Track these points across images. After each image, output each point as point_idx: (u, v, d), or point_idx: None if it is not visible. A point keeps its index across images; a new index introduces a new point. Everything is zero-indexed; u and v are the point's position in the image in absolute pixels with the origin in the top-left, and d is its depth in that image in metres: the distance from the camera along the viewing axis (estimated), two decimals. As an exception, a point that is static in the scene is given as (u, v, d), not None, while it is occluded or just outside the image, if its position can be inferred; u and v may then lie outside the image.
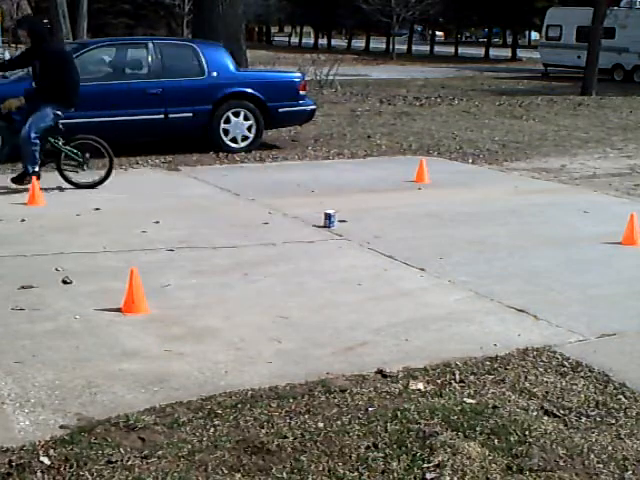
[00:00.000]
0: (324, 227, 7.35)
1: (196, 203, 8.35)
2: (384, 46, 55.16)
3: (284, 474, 3.25)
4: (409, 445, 3.45)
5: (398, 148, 12.42)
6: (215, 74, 11.51)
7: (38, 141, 8.69)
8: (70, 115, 10.56)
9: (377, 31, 56.89)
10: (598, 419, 3.76)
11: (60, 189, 8.86)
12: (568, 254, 6.64)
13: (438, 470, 3.27)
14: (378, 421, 3.66)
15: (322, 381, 4.09)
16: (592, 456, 3.42)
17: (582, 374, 4.26)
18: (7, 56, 20.79)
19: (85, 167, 8.95)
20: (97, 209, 7.94)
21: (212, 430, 3.57)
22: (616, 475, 3.30)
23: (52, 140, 8.80)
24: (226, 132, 11.57)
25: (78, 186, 8.92)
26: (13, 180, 8.87)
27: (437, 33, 64.49)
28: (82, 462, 3.29)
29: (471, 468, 3.29)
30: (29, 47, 9.07)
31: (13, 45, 40.30)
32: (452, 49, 53.45)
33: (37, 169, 8.72)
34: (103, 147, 9.04)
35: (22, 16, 9.77)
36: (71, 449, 3.38)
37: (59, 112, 8.75)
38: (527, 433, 3.58)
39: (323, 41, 63.47)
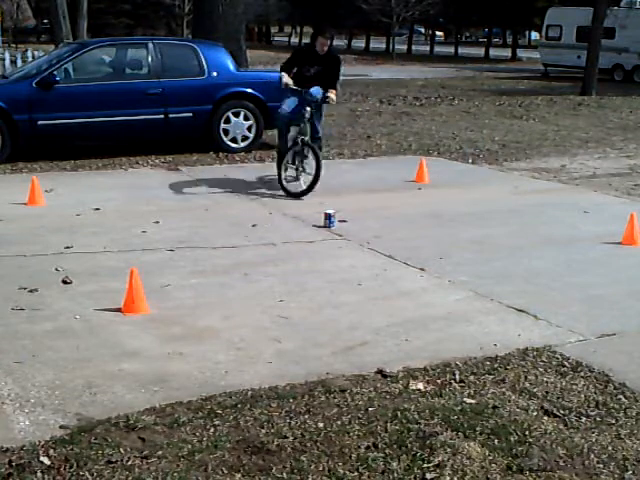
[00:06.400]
0: (324, 227, 7.35)
1: (196, 203, 8.35)
2: (384, 46, 55.14)
3: (284, 474, 3.25)
4: (409, 445, 3.45)
5: (398, 148, 12.41)
6: (215, 74, 11.50)
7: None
8: (71, 115, 10.63)
9: (377, 31, 56.85)
10: (598, 419, 3.76)
11: (59, 189, 8.86)
12: (568, 254, 6.64)
13: (438, 470, 3.27)
14: (378, 421, 3.66)
15: (322, 381, 4.09)
16: (592, 456, 3.42)
17: (582, 374, 4.26)
18: (7, 56, 20.72)
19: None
20: (97, 209, 7.94)
21: (212, 430, 3.58)
22: (616, 475, 3.30)
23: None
24: (226, 132, 11.57)
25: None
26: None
27: (437, 33, 64.45)
28: (82, 462, 3.29)
29: (471, 468, 3.30)
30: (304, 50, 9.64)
31: (13, 45, 40.25)
32: (452, 49, 53.40)
33: None
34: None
35: (326, 24, 10.00)
36: (71, 449, 3.38)
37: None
38: (527, 433, 3.58)
39: (323, 41, 63.34)
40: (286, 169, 8.83)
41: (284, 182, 8.75)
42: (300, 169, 8.77)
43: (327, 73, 8.99)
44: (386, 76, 29.72)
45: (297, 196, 8.53)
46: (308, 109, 8.69)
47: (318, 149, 8.74)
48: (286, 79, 8.74)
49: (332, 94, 8.80)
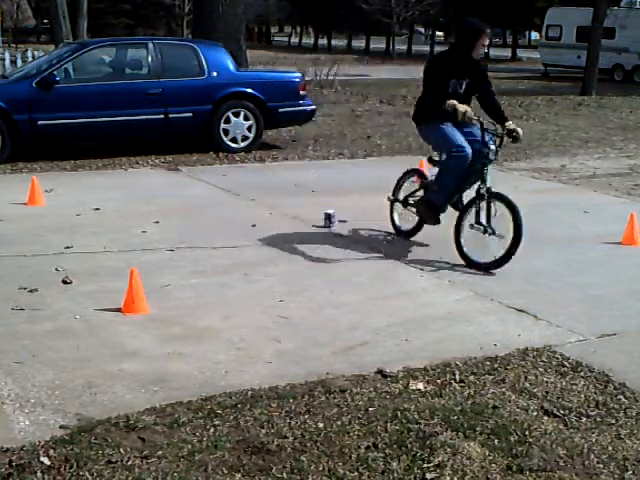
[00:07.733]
0: (324, 227, 7.35)
1: (196, 203, 8.35)
2: (384, 46, 55.14)
3: (284, 474, 3.25)
4: (409, 445, 3.45)
5: (398, 148, 12.41)
6: (215, 74, 11.51)
7: None
8: (71, 115, 10.63)
9: (377, 31, 56.86)
10: (598, 419, 3.76)
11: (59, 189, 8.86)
12: (568, 254, 6.64)
13: (438, 470, 3.27)
14: (378, 421, 3.66)
15: (322, 381, 4.09)
16: (592, 456, 3.42)
17: (582, 374, 4.26)
18: (7, 56, 20.72)
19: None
20: (97, 209, 7.94)
21: (212, 430, 3.57)
22: (616, 475, 3.30)
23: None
24: (226, 132, 11.57)
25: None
26: None
27: (437, 33, 64.43)
28: (82, 462, 3.29)
29: (471, 468, 3.29)
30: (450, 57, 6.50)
31: (13, 45, 40.24)
32: (452, 49, 53.36)
33: None
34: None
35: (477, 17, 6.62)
36: (71, 449, 3.38)
37: None
38: (527, 433, 3.58)
39: (323, 41, 63.39)
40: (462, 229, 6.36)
41: (465, 249, 6.26)
42: (489, 230, 6.17)
43: (481, 88, 6.57)
44: (386, 76, 29.70)
45: (488, 269, 6.08)
46: (493, 147, 6.21)
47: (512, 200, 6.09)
48: (461, 106, 6.11)
49: (513, 124, 6.40)
